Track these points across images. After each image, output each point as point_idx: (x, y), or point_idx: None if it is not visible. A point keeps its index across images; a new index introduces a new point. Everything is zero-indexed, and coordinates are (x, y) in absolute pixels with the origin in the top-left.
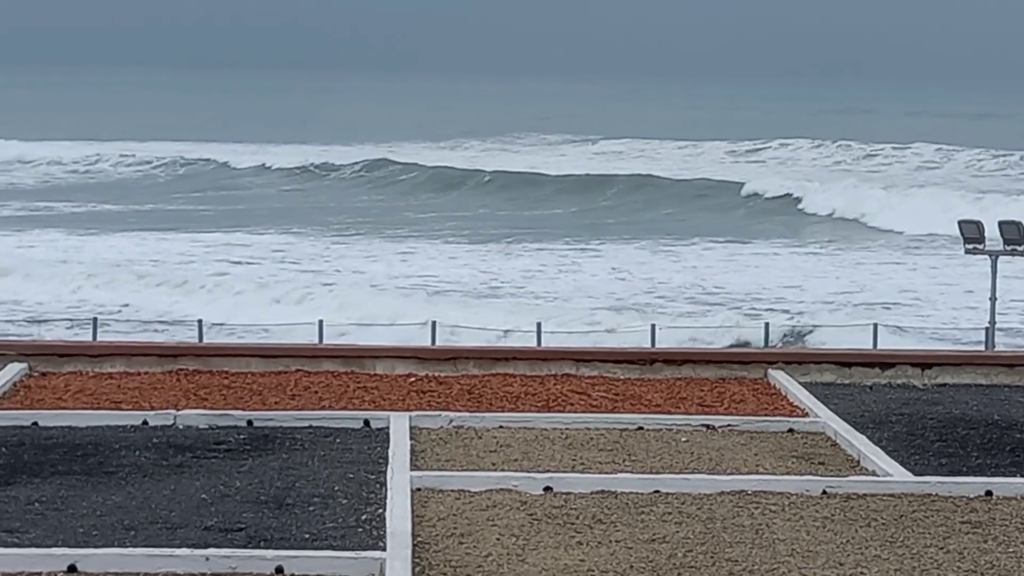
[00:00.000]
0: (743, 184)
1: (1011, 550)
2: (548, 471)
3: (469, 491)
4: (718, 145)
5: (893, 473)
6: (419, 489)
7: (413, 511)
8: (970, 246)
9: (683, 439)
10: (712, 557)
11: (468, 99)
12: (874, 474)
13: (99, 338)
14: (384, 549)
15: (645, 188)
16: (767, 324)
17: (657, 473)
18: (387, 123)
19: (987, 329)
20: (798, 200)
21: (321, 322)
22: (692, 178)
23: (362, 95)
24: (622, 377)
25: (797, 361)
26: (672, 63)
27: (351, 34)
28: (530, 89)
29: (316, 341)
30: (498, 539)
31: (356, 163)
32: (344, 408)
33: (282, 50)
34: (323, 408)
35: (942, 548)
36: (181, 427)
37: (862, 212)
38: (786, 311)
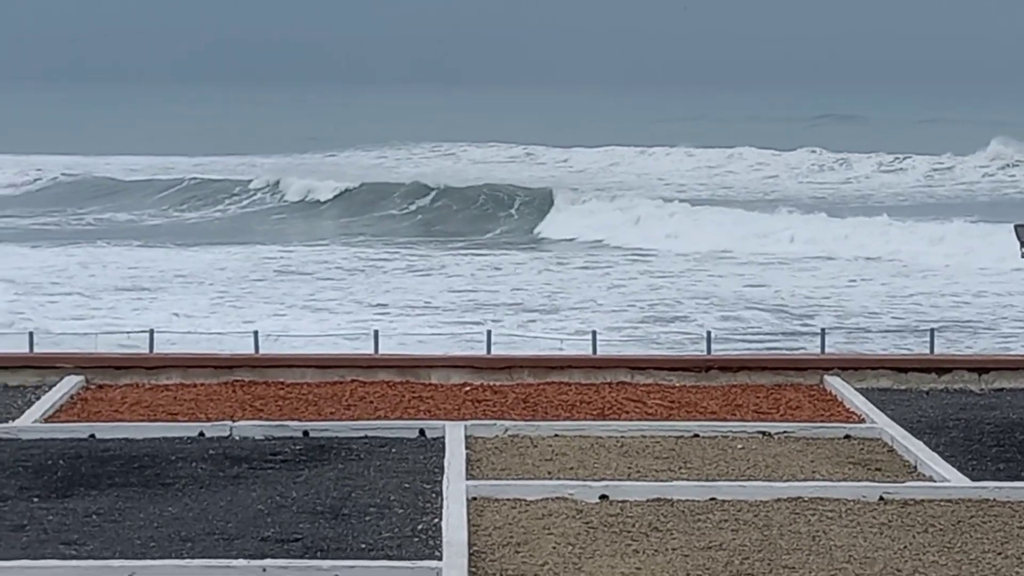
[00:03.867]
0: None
1: None
2: (604, 479)
3: (525, 500)
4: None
5: (950, 478)
6: (475, 498)
7: (469, 520)
8: None
9: (739, 446)
10: (769, 564)
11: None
12: (931, 480)
13: (155, 350)
14: (440, 559)
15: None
16: (823, 330)
17: (713, 480)
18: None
19: None
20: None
21: (376, 332)
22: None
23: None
24: (677, 385)
25: (853, 367)
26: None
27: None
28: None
29: (371, 351)
30: (554, 548)
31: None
32: (399, 418)
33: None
34: (379, 418)
35: (1000, 553)
36: (237, 438)
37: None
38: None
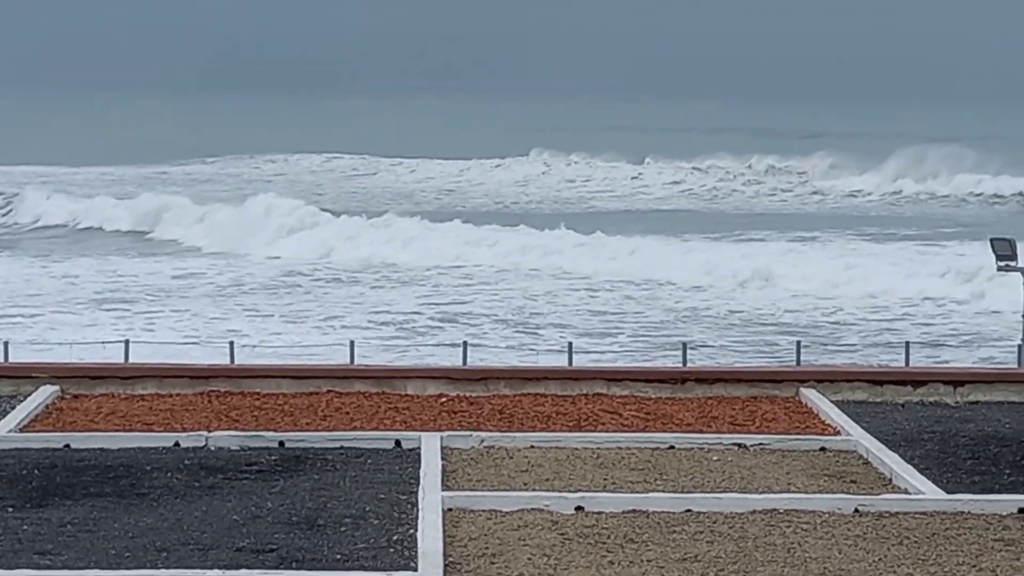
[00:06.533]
0: None
1: None
2: (579, 491)
3: (500, 511)
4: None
5: (925, 491)
6: (451, 509)
7: (445, 531)
8: (1002, 263)
9: (714, 458)
10: None
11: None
12: (906, 492)
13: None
14: (416, 569)
15: None
16: (799, 342)
17: (689, 492)
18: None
19: (1020, 346)
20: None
21: (352, 343)
22: None
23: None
24: (653, 396)
25: (829, 379)
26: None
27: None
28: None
29: (347, 362)
30: (530, 559)
31: None
32: (375, 429)
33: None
34: (354, 429)
35: (975, 566)
36: (213, 448)
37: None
38: None
